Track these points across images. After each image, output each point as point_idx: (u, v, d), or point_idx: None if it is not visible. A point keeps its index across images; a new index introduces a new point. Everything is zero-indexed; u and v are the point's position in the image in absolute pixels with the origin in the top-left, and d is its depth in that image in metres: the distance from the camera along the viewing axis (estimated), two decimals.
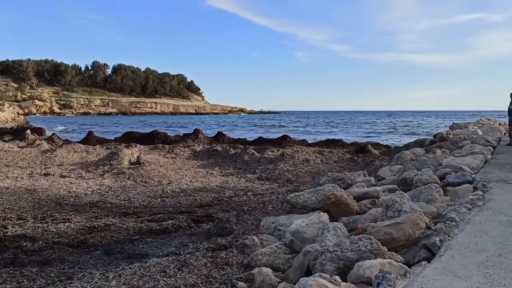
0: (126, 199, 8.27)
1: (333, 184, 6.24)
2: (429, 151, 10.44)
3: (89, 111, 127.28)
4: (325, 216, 5.09)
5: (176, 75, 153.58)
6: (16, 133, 23.33)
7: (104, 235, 5.94)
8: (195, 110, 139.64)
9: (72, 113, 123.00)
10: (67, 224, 6.43)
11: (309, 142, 18.90)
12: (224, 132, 22.39)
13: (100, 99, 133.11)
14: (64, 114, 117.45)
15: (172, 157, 13.71)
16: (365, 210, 5.65)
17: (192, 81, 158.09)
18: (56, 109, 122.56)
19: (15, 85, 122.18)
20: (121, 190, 9.11)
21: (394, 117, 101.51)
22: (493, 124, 18.97)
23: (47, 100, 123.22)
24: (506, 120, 13.41)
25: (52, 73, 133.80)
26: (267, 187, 9.63)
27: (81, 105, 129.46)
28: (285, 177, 10.37)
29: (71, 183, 9.79)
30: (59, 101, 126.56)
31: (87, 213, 7.12)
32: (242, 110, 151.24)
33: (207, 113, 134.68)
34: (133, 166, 11.69)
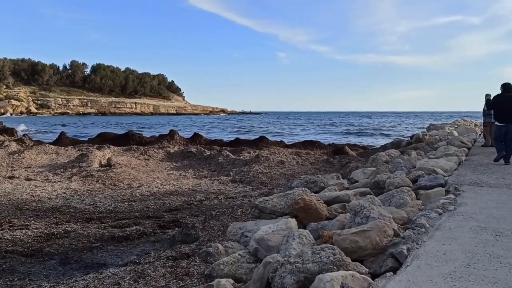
0: (92, 203, 7.93)
1: (303, 188, 6.04)
2: (404, 152, 10.35)
3: (67, 111, 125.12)
4: (293, 222, 4.88)
5: (157, 75, 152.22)
6: None
7: (62, 242, 5.63)
8: (176, 110, 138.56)
9: (50, 113, 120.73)
10: (24, 231, 6.08)
11: (287, 143, 18.75)
12: (203, 133, 22.12)
13: (79, 99, 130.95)
14: (42, 114, 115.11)
15: (145, 159, 13.37)
16: (335, 215, 5.47)
17: (172, 81, 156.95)
18: (33, 109, 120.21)
19: None
20: (87, 194, 8.76)
21: (374, 118, 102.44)
22: (469, 125, 19.11)
23: (24, 100, 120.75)
24: (482, 121, 13.46)
25: (29, 73, 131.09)
26: (240, 190, 9.39)
27: (59, 105, 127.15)
28: (259, 180, 10.15)
29: (36, 186, 9.39)
30: (36, 101, 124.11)
31: (47, 219, 6.77)
32: (223, 111, 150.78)
33: (188, 114, 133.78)
34: (103, 168, 11.32)
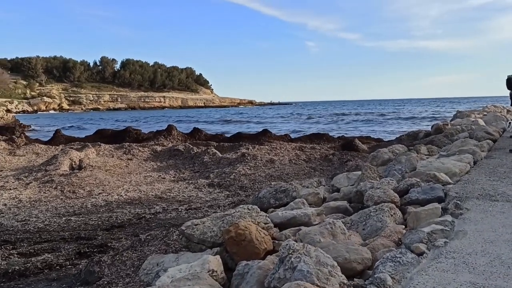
0: (24, 219, 6.66)
1: (250, 206, 4.51)
2: (412, 148, 8.62)
3: (98, 106, 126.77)
4: (213, 262, 3.40)
5: (185, 68, 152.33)
6: None
7: None
8: (204, 103, 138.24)
9: (82, 109, 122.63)
10: None
11: (298, 136, 17.19)
12: (221, 125, 20.81)
13: (109, 94, 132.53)
14: (73, 111, 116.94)
15: (128, 159, 12.10)
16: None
17: (200, 74, 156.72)
18: (65, 106, 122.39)
19: (24, 83, 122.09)
20: (30, 205, 7.52)
21: (402, 105, 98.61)
22: (500, 112, 16.91)
23: (56, 96, 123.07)
24: None
25: (61, 70, 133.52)
26: (213, 197, 7.95)
27: (90, 101, 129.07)
28: (240, 183, 8.67)
29: None
30: (68, 98, 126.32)
31: None
32: (251, 102, 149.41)
33: (216, 106, 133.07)
34: (71, 171, 10.11)
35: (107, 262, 4.30)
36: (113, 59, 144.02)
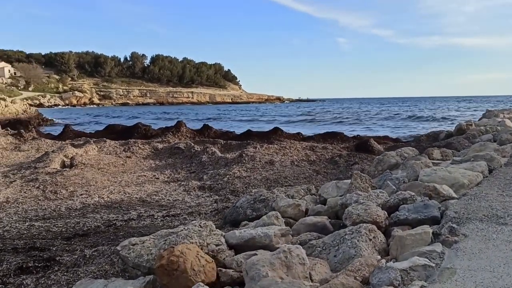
0: None
1: (202, 222, 3.78)
2: (423, 151, 7.68)
3: (128, 101, 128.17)
4: None
5: (213, 64, 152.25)
6: (8, 125, 21.98)
7: None
8: (232, 99, 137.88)
9: (112, 103, 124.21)
10: None
11: (312, 134, 16.32)
12: (239, 123, 20.10)
13: (138, 89, 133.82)
14: (104, 105, 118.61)
15: (127, 156, 11.55)
16: (230, 276, 3.24)
17: (229, 70, 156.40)
18: (96, 100, 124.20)
19: (57, 77, 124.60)
20: (0, 207, 7.00)
21: (432, 103, 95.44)
22: None
23: (87, 91, 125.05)
24: None
25: (92, 65, 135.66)
26: (199, 202, 7.25)
27: (120, 95, 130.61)
28: (232, 187, 7.94)
29: None
30: (99, 92, 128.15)
31: None
32: (279, 99, 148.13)
33: (244, 102, 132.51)
34: (62, 169, 9.61)
35: (30, 286, 3.66)
36: (143, 55, 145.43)
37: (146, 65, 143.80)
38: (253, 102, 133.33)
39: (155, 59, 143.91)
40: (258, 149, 11.35)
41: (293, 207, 4.80)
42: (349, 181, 5.28)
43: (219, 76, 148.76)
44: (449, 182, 4.72)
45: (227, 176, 8.53)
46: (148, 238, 3.69)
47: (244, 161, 9.41)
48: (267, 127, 18.95)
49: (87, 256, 4.35)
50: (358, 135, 15.83)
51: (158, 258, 3.16)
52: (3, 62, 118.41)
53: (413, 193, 4.15)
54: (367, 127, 27.91)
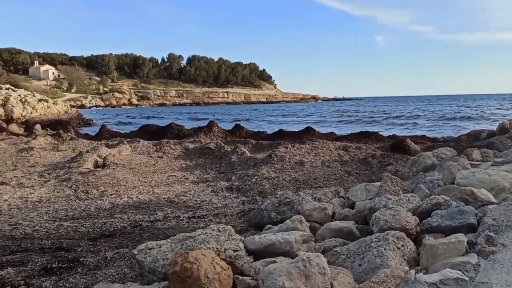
0: (17, 222, 6.24)
1: (221, 227, 3.64)
2: (462, 151, 7.28)
3: (165, 102, 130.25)
4: None
5: (248, 64, 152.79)
6: (49, 126, 22.70)
7: None
8: (266, 98, 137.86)
9: (150, 104, 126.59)
10: None
11: (346, 134, 15.95)
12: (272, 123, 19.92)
13: (175, 90, 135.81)
14: (142, 106, 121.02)
15: (159, 156, 11.61)
16: (247, 284, 3.09)
17: (264, 70, 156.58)
18: (134, 101, 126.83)
19: (98, 79, 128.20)
20: (32, 206, 7.13)
21: (478, 100, 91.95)
22: None
23: (127, 92, 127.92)
24: None
25: (131, 67, 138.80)
26: (226, 203, 7.15)
27: (158, 96, 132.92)
28: (260, 188, 7.79)
29: None
30: (137, 93, 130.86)
31: None
32: (314, 98, 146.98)
33: (278, 102, 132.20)
34: (94, 169, 9.74)
35: None
36: (180, 56, 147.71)
37: (182, 66, 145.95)
38: (288, 102, 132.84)
39: (192, 59, 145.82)
40: (289, 149, 11.16)
41: (318, 210, 4.60)
42: (379, 183, 5.03)
43: (254, 76, 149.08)
44: (488, 185, 4.40)
45: (255, 177, 8.39)
46: (165, 242, 3.59)
47: (273, 161, 9.25)
48: (300, 127, 18.71)
49: (108, 258, 4.31)
50: (394, 134, 15.32)
51: (172, 264, 3.05)
52: (47, 65, 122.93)
53: (448, 198, 3.87)
54: (404, 126, 27.13)
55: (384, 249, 3.12)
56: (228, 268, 3.11)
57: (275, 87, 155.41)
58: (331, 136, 14.74)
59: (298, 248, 3.42)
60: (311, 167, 9.10)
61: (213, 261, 3.06)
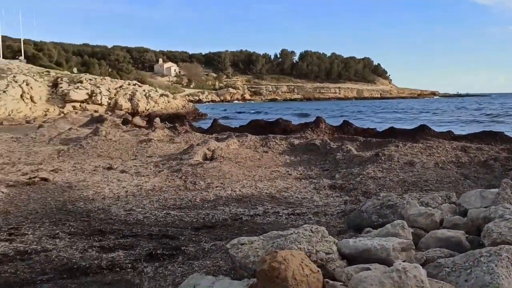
0: (131, 208, 6.75)
1: (314, 227, 3.51)
2: None
3: (276, 97, 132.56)
4: None
5: (362, 58, 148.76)
6: (168, 119, 24.36)
7: (8, 269, 4.47)
8: (380, 94, 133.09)
9: (261, 99, 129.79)
10: (2, 243, 5.19)
11: (466, 133, 14.66)
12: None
13: (287, 85, 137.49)
14: (254, 101, 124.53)
15: (264, 151, 11.78)
16: None
17: (378, 64, 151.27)
18: (247, 96, 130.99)
19: (214, 75, 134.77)
20: (146, 194, 7.66)
21: None
22: None
23: (240, 87, 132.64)
24: None
25: (245, 63, 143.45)
26: (327, 202, 6.98)
27: (269, 91, 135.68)
28: (365, 187, 7.47)
29: (118, 180, 8.79)
30: (250, 89, 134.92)
31: (52, 228, 5.82)
32: (433, 94, 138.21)
33: (393, 98, 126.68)
34: (203, 162, 10.19)
35: (149, 275, 3.85)
36: (292, 51, 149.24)
37: (294, 62, 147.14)
38: (403, 98, 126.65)
39: (304, 55, 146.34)
40: (400, 148, 10.55)
41: (424, 216, 4.24)
42: (497, 190, 4.48)
43: (368, 71, 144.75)
44: None
45: (360, 176, 8.07)
46: (257, 239, 3.57)
47: (381, 160, 8.81)
48: (414, 125, 17.66)
49: (206, 249, 4.44)
50: None
51: (260, 262, 3.02)
52: (170, 62, 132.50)
53: None
54: None
55: (495, 266, 2.75)
56: (318, 271, 2.99)
57: (390, 82, 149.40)
58: (448, 135, 13.64)
59: (396, 256, 3.17)
60: (422, 168, 8.49)
61: (302, 262, 2.96)
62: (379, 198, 5.07)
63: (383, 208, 4.78)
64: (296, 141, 12.30)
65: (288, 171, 9.62)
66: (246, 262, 3.35)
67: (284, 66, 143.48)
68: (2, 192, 7.77)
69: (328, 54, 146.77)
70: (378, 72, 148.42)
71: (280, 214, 6.31)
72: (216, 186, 8.19)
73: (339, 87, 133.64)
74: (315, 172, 9.42)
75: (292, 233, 3.49)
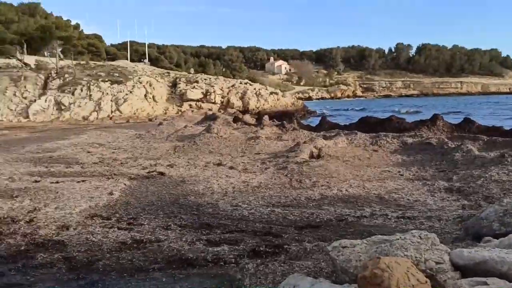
0: (237, 204, 6.91)
1: (423, 234, 3.21)
2: None
3: (390, 93, 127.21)
4: None
5: (488, 50, 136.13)
6: (276, 117, 24.68)
7: (126, 256, 4.84)
8: (510, 89, 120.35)
9: (374, 96, 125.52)
10: (122, 231, 5.64)
11: None
12: None
13: (402, 81, 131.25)
14: (365, 97, 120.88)
15: (374, 150, 11.30)
16: None
17: (507, 56, 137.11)
18: (359, 93, 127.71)
19: (325, 72, 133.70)
20: (252, 190, 7.79)
21: None
22: None
23: (351, 84, 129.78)
24: None
25: (357, 58, 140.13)
26: (442, 206, 6.45)
27: (383, 87, 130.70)
28: (487, 192, 6.76)
29: (227, 176, 9.09)
30: (362, 85, 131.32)
31: (165, 219, 6.19)
32: None
33: None
34: (309, 160, 10.10)
35: (250, 271, 3.88)
36: (408, 45, 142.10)
37: (411, 56, 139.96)
38: None
39: (421, 48, 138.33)
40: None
41: None
42: None
43: (495, 64, 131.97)
44: None
45: (482, 179, 7.33)
46: (360, 242, 3.39)
47: (507, 162, 7.90)
48: None
49: (308, 249, 4.36)
50: None
51: (362, 267, 2.87)
52: (281, 60, 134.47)
53: None
54: None
55: None
56: (426, 282, 2.73)
57: None
58: None
59: None
60: None
61: (408, 271, 2.73)
62: (502, 204, 4.53)
63: (506, 215, 4.26)
64: (410, 140, 11.62)
65: (399, 171, 9.12)
66: (347, 266, 3.20)
67: (399, 61, 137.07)
68: (125, 184, 8.50)
69: (449, 47, 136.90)
70: (507, 65, 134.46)
71: (388, 217, 5.98)
72: (322, 185, 8.05)
73: (460, 82, 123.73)
74: (430, 173, 8.80)
75: (398, 239, 3.25)
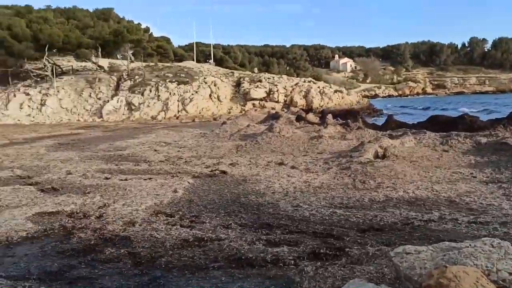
0: (298, 204, 6.82)
1: (496, 242, 2.96)
2: None
3: (463, 90, 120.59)
4: None
5: None
6: (340, 116, 24.20)
7: (187, 253, 4.93)
8: None
9: (445, 93, 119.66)
10: (184, 229, 5.76)
11: None
12: None
13: (476, 77, 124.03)
14: (436, 95, 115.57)
15: (444, 150, 10.72)
16: None
17: None
18: (429, 90, 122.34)
19: (392, 69, 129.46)
20: (313, 191, 7.66)
21: None
22: None
23: (421, 81, 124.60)
24: None
25: (427, 54, 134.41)
26: None
27: (455, 84, 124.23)
28: None
29: (288, 175, 9.03)
30: (432, 82, 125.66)
31: (226, 218, 6.24)
32: None
33: None
34: (374, 160, 9.76)
35: (309, 274, 3.79)
36: (483, 39, 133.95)
37: (486, 50, 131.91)
38: None
39: (498, 42, 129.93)
40: None
41: None
42: None
43: None
44: None
45: None
46: (426, 249, 3.20)
47: None
48: None
49: (370, 254, 4.20)
50: None
51: (427, 276, 2.69)
52: (346, 58, 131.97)
53: None
54: None
55: None
56: None
57: None
58: None
59: None
60: None
61: (477, 281, 2.54)
62: None
63: None
64: (483, 140, 10.90)
65: (472, 173, 8.59)
66: (411, 273, 3.03)
67: (473, 56, 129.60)
68: (188, 182, 8.70)
69: None
70: None
71: (459, 222, 5.64)
72: (387, 186, 7.76)
73: None
74: (506, 175, 8.20)
75: (467, 246, 3.04)
